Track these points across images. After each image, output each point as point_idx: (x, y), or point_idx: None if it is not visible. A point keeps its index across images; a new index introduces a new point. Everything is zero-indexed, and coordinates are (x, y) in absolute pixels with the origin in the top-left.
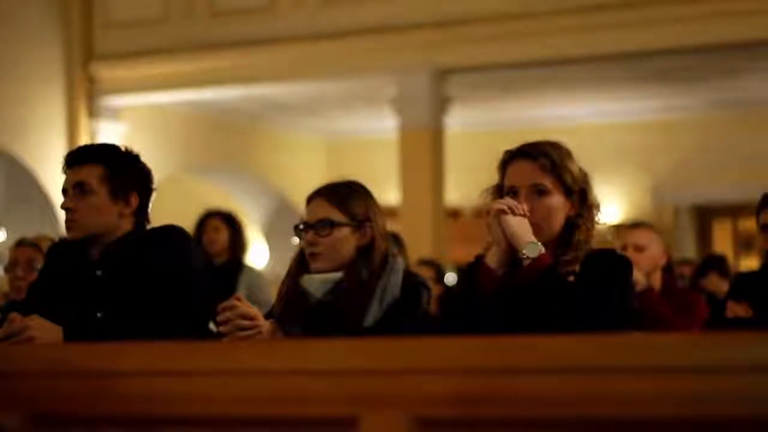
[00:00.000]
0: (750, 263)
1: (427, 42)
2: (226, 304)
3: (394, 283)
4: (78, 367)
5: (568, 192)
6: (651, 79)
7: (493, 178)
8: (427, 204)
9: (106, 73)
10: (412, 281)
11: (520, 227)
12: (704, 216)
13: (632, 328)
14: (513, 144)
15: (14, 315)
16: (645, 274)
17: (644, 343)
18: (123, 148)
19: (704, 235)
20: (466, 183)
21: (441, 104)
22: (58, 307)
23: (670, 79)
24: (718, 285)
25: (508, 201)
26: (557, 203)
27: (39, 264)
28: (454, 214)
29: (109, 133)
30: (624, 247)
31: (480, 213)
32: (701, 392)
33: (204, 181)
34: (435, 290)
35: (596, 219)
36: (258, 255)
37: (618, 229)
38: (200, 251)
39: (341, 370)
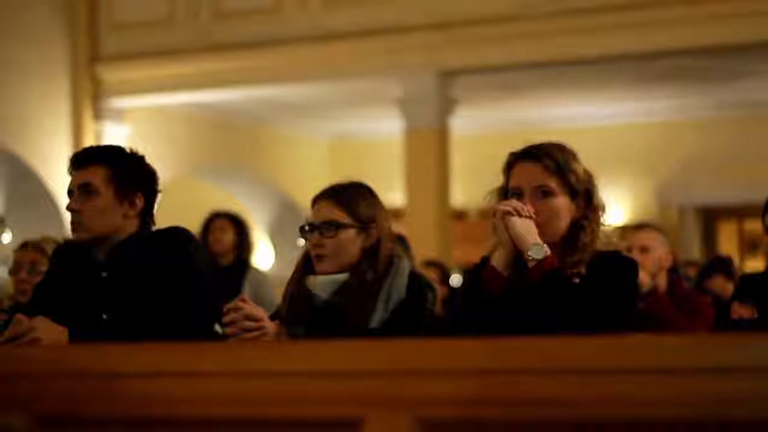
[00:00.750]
0: (755, 264)
1: (432, 43)
2: (231, 305)
3: (399, 284)
4: (83, 369)
5: (573, 193)
6: (656, 80)
7: (498, 179)
8: (433, 205)
9: (111, 74)
10: (417, 282)
11: (526, 229)
12: (709, 217)
13: (638, 329)
14: (518, 145)
15: (20, 316)
16: (650, 275)
17: (649, 344)
18: (128, 150)
19: (709, 237)
20: (471, 184)
21: (446, 105)
22: (63, 309)
23: (676, 80)
24: (724, 286)
25: (514, 202)
26: (562, 205)
27: (43, 266)
28: (459, 215)
29: (114, 134)
30: (629, 249)
31: (485, 214)
32: (706, 393)
33: (209, 183)
34: (440, 291)
35: (601, 220)
36: (263, 256)
37: (623, 230)
38: (205, 252)
39: (346, 371)
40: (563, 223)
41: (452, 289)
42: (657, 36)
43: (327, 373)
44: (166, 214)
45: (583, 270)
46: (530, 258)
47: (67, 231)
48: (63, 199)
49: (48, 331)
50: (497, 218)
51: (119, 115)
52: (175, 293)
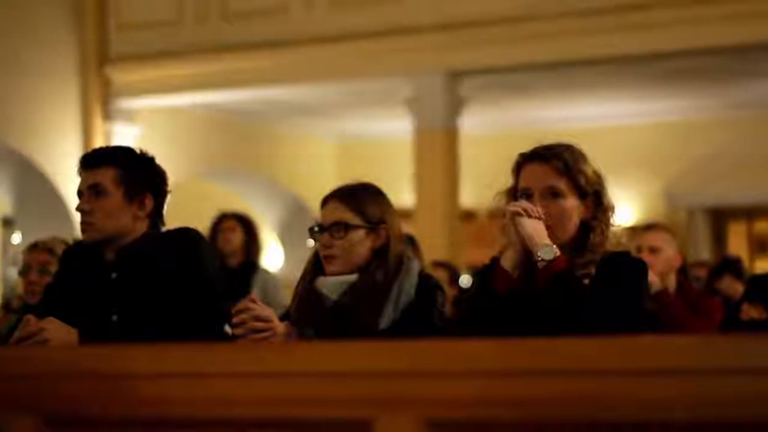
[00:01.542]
0: (765, 265)
1: (441, 43)
2: (240, 306)
3: (409, 285)
4: (93, 369)
5: (582, 194)
6: (665, 80)
7: (506, 180)
8: (441, 206)
9: (120, 75)
10: (427, 283)
11: (535, 230)
12: (719, 218)
13: (648, 330)
14: (527, 146)
15: (29, 317)
16: (660, 275)
17: (660, 345)
18: (137, 151)
19: (719, 238)
20: (480, 185)
21: (455, 106)
22: (73, 310)
23: (685, 80)
24: (733, 287)
25: (523, 203)
26: (571, 206)
27: (53, 267)
28: (468, 216)
29: (124, 135)
30: (638, 249)
31: (495, 215)
32: (717, 394)
33: (218, 184)
34: (449, 292)
35: (611, 221)
36: (273, 257)
37: (632, 231)
38: (215, 253)
39: (356, 372)
40: (572, 224)
41: (461, 290)
42: (664, 37)
43: (337, 374)
44: (175, 214)
45: (592, 271)
46: (540, 259)
47: (77, 232)
48: (72, 200)
49: (58, 331)
50: (507, 219)
51: (129, 116)
52: (185, 294)
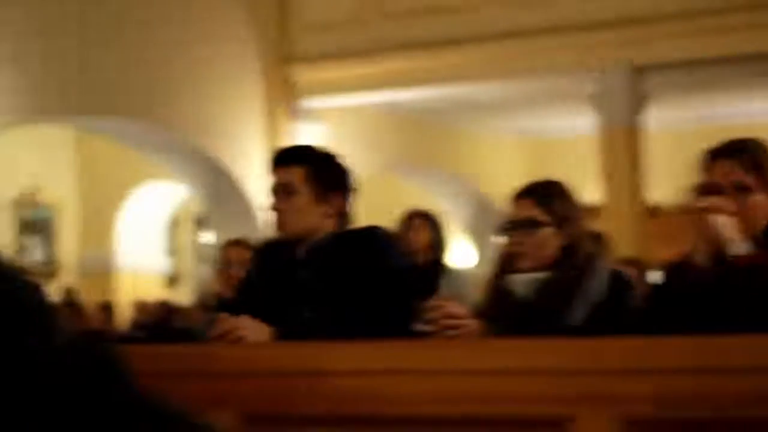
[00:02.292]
0: None
1: (625, 39)
2: (433, 303)
3: (599, 282)
4: (288, 367)
5: None
6: None
7: (691, 176)
8: (628, 202)
9: (303, 75)
10: (617, 280)
11: (727, 226)
12: None
13: None
14: (712, 142)
15: (224, 315)
16: None
17: None
18: (324, 150)
19: None
20: (665, 181)
21: (639, 101)
22: (264, 307)
23: None
24: None
25: (714, 199)
26: (760, 201)
27: None
28: (654, 212)
29: (309, 134)
30: None
31: (683, 211)
32: None
33: (403, 181)
34: (639, 289)
35: None
36: (464, 255)
37: None
38: (404, 251)
39: (553, 369)
40: (762, 219)
41: (652, 287)
42: None
43: (533, 371)
44: (361, 212)
45: None
46: (733, 254)
47: (262, 230)
48: (257, 199)
49: (252, 329)
50: (698, 215)
51: (313, 115)
52: (376, 291)
